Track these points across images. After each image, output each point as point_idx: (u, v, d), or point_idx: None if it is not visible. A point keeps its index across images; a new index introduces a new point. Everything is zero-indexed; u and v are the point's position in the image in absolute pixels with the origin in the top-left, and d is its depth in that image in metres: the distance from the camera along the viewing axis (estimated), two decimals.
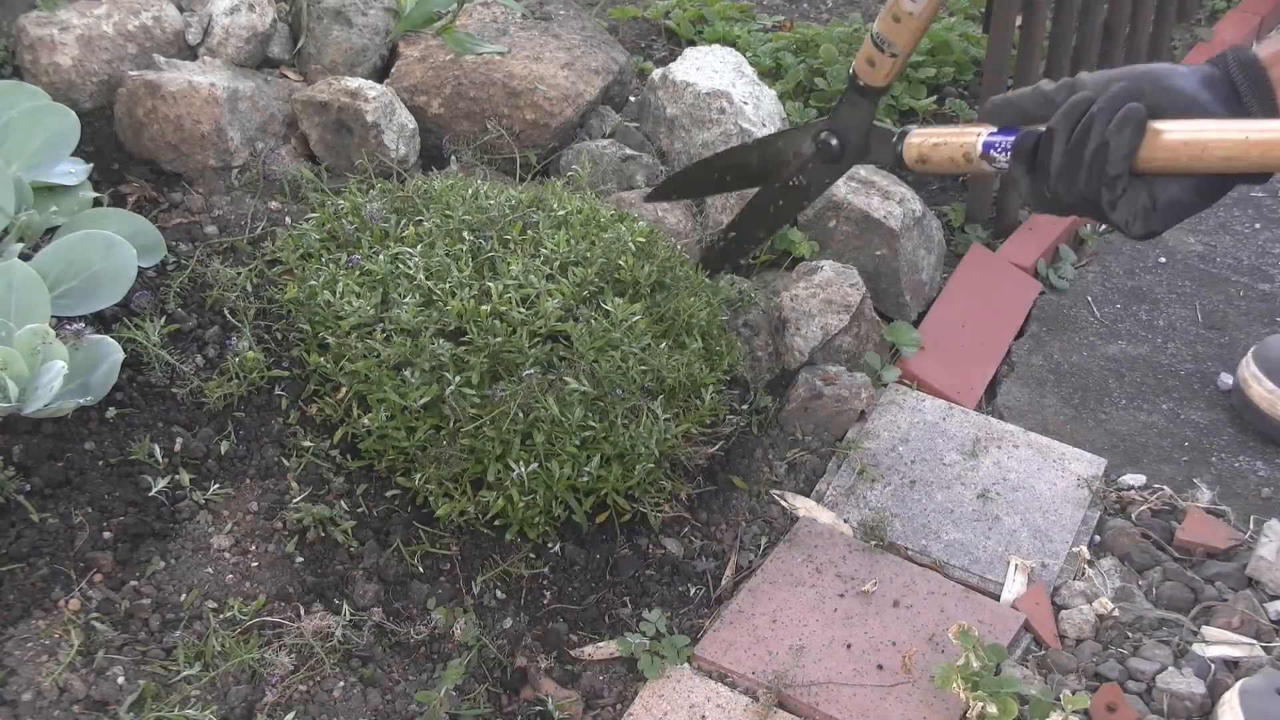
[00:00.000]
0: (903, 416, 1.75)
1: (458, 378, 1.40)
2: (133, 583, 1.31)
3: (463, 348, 1.43)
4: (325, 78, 1.91)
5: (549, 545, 1.46)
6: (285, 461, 1.46)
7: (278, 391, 1.51)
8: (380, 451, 1.44)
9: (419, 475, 1.41)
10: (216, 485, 1.41)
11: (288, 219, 1.76)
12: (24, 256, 1.44)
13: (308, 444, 1.46)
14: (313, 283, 1.54)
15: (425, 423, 1.40)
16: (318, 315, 1.51)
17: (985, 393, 1.87)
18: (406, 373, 1.41)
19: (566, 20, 2.16)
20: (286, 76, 1.97)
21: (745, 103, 2.01)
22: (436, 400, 1.40)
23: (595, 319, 1.48)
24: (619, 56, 2.13)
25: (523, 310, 1.46)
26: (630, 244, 1.59)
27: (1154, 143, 0.98)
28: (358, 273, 1.54)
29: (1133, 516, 1.60)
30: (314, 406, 1.49)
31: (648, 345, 1.49)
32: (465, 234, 1.56)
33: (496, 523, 1.42)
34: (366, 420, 1.42)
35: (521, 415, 1.39)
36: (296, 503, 1.41)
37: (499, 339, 1.42)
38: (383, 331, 1.45)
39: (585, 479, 1.40)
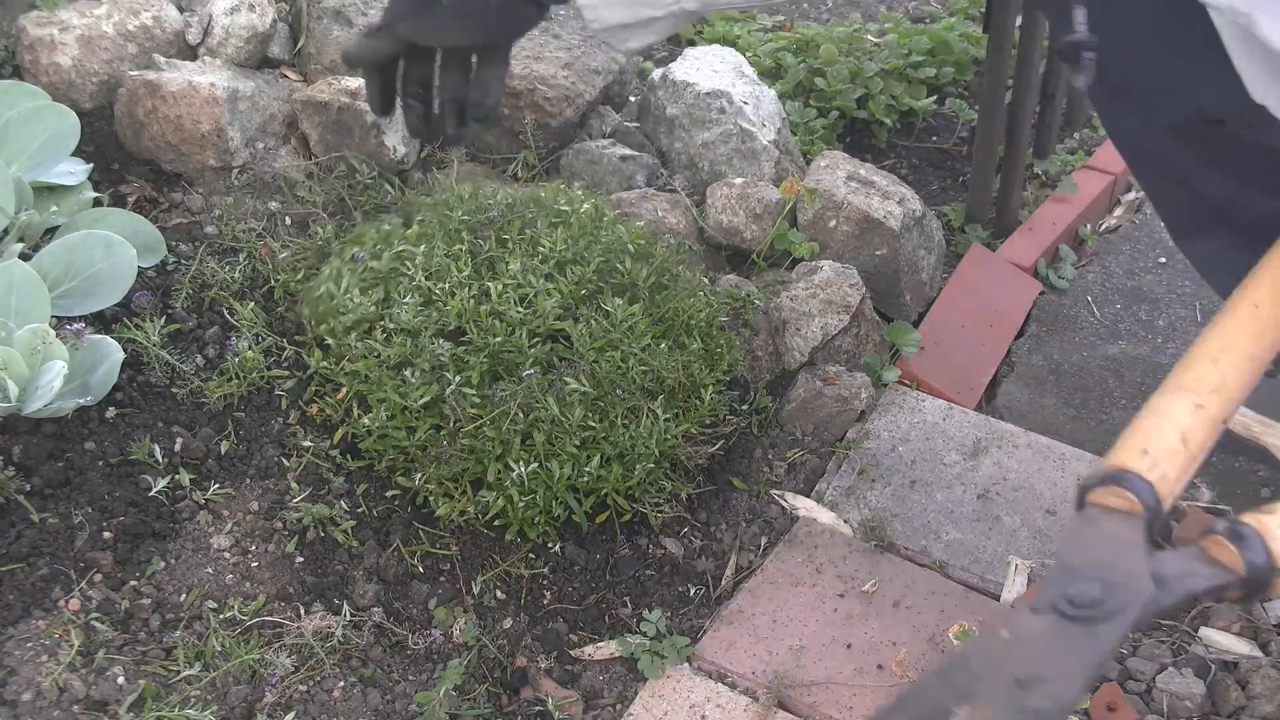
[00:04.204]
0: (903, 416, 1.75)
1: (457, 378, 1.40)
2: (133, 583, 1.31)
3: (462, 347, 1.43)
4: (325, 78, 1.91)
5: (549, 545, 1.46)
6: (285, 461, 1.46)
7: (278, 391, 1.51)
8: (380, 451, 1.44)
9: (419, 475, 1.41)
10: (216, 485, 1.41)
11: (288, 219, 1.76)
12: (24, 256, 1.44)
13: (308, 444, 1.46)
14: (312, 284, 1.55)
15: (425, 422, 1.40)
16: (320, 308, 1.51)
17: (985, 393, 1.87)
18: (407, 373, 1.41)
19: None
20: (286, 76, 1.97)
21: (745, 103, 2.01)
22: (437, 400, 1.40)
23: (595, 319, 1.48)
24: (619, 56, 2.13)
25: (521, 309, 1.46)
26: (630, 245, 1.59)
27: None
28: (362, 269, 1.53)
29: None
30: (314, 406, 1.50)
31: (647, 345, 1.49)
32: (464, 234, 1.56)
33: (497, 523, 1.42)
34: (367, 420, 1.42)
35: (521, 415, 1.39)
36: (296, 503, 1.41)
37: (499, 339, 1.42)
38: (383, 331, 1.45)
39: (585, 479, 1.40)
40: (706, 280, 1.71)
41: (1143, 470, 0.88)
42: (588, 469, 1.40)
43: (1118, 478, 0.88)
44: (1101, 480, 0.88)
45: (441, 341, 1.43)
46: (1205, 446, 0.91)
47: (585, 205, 1.64)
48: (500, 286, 1.47)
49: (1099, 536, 0.87)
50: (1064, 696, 0.75)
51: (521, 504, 1.38)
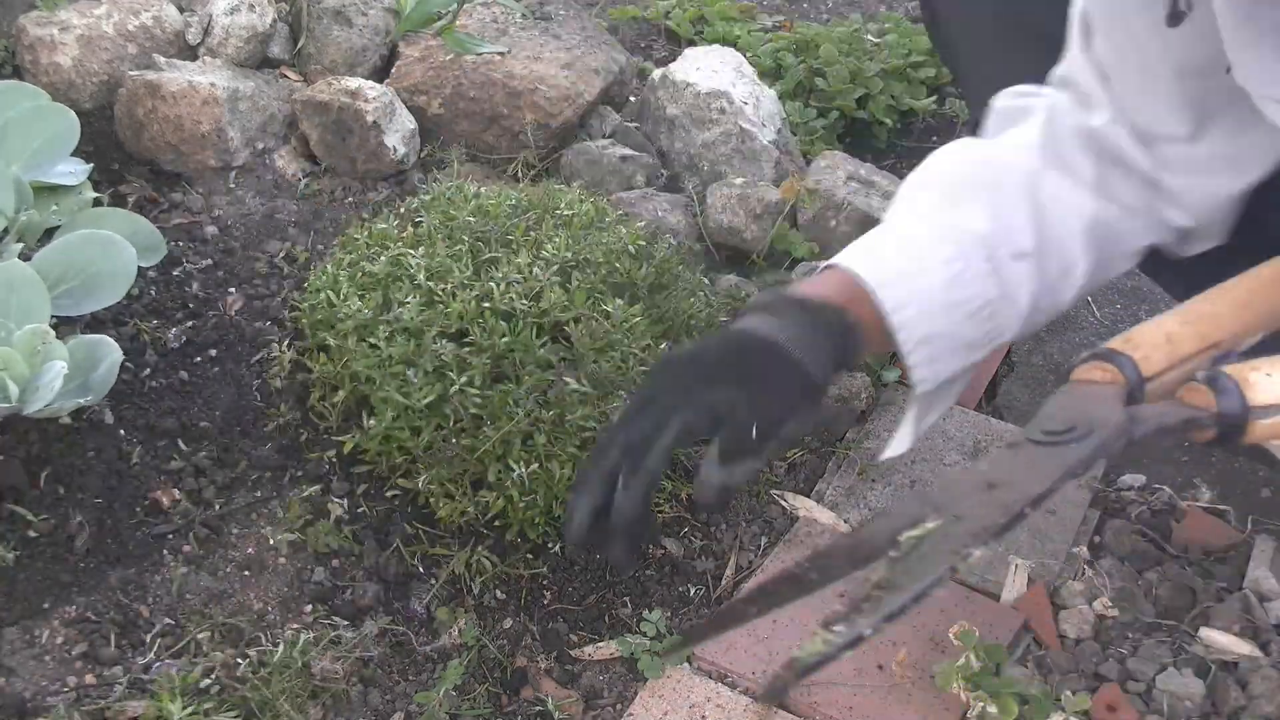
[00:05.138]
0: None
1: (462, 378, 1.39)
2: (133, 584, 1.31)
3: (466, 348, 1.42)
4: (325, 78, 1.91)
5: (549, 545, 1.46)
6: (286, 462, 1.46)
7: (277, 385, 1.51)
8: (383, 454, 1.43)
9: (421, 477, 1.40)
10: (216, 486, 1.41)
11: (289, 222, 1.76)
12: (24, 256, 1.44)
13: (306, 439, 1.46)
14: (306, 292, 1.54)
15: (429, 423, 1.40)
16: (319, 316, 1.51)
17: (985, 393, 1.87)
18: (410, 372, 1.40)
19: (566, 20, 2.16)
20: (286, 76, 1.97)
21: (745, 103, 2.01)
22: (440, 400, 1.40)
23: (596, 320, 1.47)
24: (619, 56, 2.13)
25: (525, 303, 1.45)
26: (630, 246, 1.58)
27: None
28: (359, 275, 1.53)
29: (1132, 517, 1.60)
30: (314, 397, 1.49)
31: (648, 346, 1.48)
32: (465, 236, 1.56)
33: (496, 524, 1.42)
34: (371, 422, 1.41)
35: (522, 415, 1.38)
36: (297, 503, 1.41)
37: (505, 339, 1.41)
38: (385, 332, 1.44)
39: None
40: (706, 280, 1.71)
41: (1126, 350, 0.93)
42: None
43: (1102, 354, 0.95)
44: (1086, 359, 0.94)
45: (444, 342, 1.42)
46: (1190, 355, 0.96)
47: (586, 205, 1.64)
48: (503, 284, 1.46)
49: (1076, 397, 0.93)
50: (1030, 491, 0.81)
51: (522, 504, 1.38)
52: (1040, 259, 1.10)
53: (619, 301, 1.49)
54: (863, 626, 0.77)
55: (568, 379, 1.41)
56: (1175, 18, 0.96)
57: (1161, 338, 0.97)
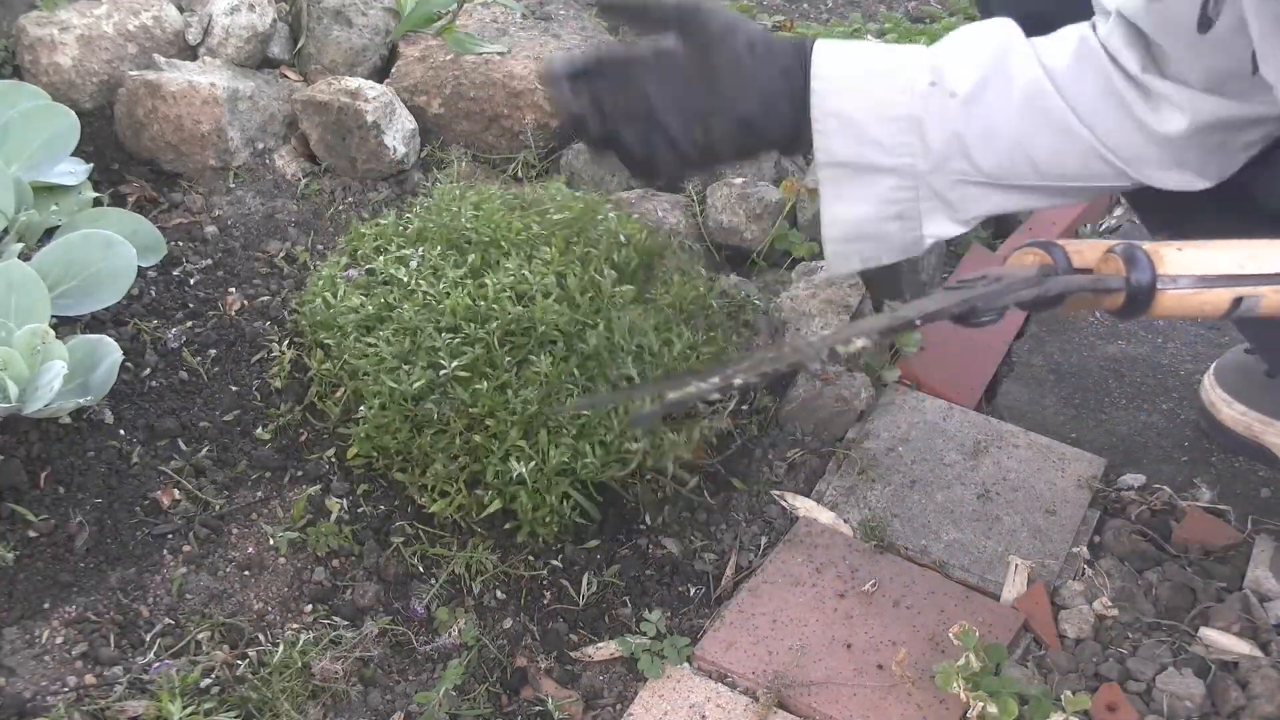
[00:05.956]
0: (903, 417, 1.74)
1: (454, 364, 1.38)
2: (133, 584, 1.31)
3: (459, 339, 1.42)
4: (325, 78, 1.91)
5: (554, 546, 1.46)
6: (286, 462, 1.46)
7: (277, 385, 1.52)
8: (378, 452, 1.43)
9: (415, 469, 1.40)
10: (216, 486, 1.41)
11: (289, 222, 1.76)
12: (24, 256, 1.44)
13: (305, 438, 1.46)
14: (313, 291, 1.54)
15: (420, 415, 1.39)
16: (318, 317, 1.51)
17: (985, 393, 1.87)
18: (405, 368, 1.40)
19: (566, 20, 2.16)
20: (286, 76, 1.97)
21: None
22: (430, 387, 1.39)
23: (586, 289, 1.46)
24: None
25: (519, 308, 1.45)
26: (621, 235, 1.58)
27: None
28: (359, 276, 1.53)
29: (1132, 516, 1.60)
30: (313, 393, 1.49)
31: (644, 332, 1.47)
32: (461, 239, 1.55)
33: (507, 526, 1.42)
34: (363, 410, 1.40)
35: (520, 409, 1.38)
36: (296, 502, 1.41)
37: (499, 334, 1.41)
38: (386, 331, 1.44)
39: (586, 469, 1.39)
40: (702, 272, 1.70)
41: (1061, 243, 1.01)
42: (587, 460, 1.39)
43: (1038, 243, 1.01)
44: (1022, 247, 1.02)
45: (440, 335, 1.42)
46: None
47: (577, 204, 1.63)
48: (498, 284, 1.46)
49: (1001, 267, 1.00)
50: (925, 308, 0.92)
51: (530, 505, 1.38)
52: (970, 105, 1.10)
53: (608, 271, 1.47)
54: (733, 376, 0.86)
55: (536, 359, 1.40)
56: (1205, 24, 0.98)
57: (1103, 246, 1.03)
